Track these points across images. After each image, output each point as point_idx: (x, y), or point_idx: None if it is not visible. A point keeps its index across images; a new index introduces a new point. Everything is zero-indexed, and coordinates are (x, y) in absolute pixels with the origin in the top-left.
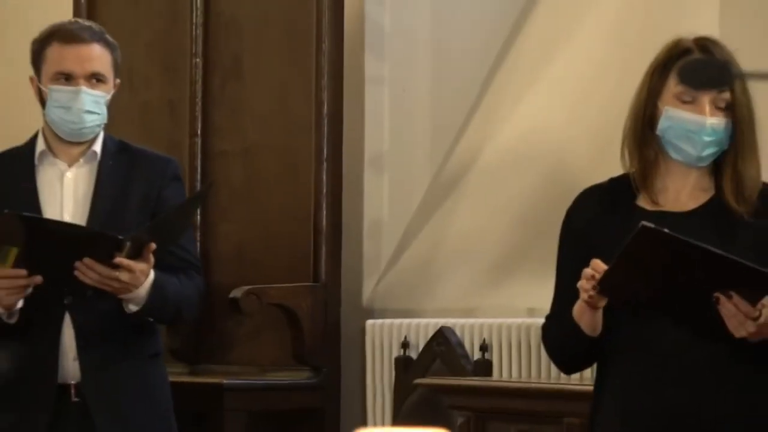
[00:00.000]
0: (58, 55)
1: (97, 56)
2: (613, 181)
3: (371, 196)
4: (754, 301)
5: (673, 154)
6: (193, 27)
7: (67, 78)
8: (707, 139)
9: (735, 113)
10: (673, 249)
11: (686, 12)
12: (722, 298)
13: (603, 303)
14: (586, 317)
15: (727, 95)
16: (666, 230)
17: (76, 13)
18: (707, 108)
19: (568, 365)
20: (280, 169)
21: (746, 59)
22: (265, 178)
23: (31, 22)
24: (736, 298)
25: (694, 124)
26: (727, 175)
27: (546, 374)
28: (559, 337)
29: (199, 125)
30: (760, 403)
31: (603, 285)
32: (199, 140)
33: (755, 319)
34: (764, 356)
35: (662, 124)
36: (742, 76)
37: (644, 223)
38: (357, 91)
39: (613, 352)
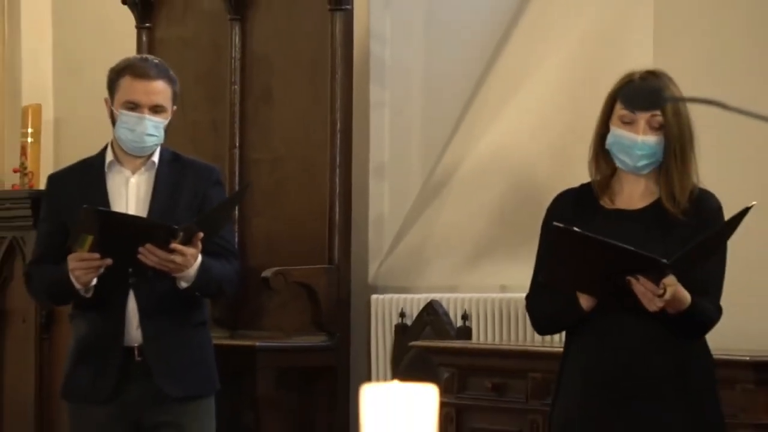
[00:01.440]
0: (129, 87)
1: (160, 91)
2: (583, 186)
3: (375, 197)
4: (657, 280)
5: (619, 164)
6: (232, 61)
7: (135, 106)
8: (639, 153)
9: (667, 132)
10: (584, 243)
11: (624, 51)
12: (632, 281)
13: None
14: (585, 301)
15: (659, 117)
16: (575, 228)
17: (139, 51)
18: (641, 128)
19: (549, 330)
20: (302, 175)
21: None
22: (290, 182)
23: (104, 54)
24: (642, 279)
25: (629, 140)
26: (662, 183)
27: (515, 338)
28: (552, 310)
29: (237, 140)
30: (688, 365)
31: (547, 276)
32: (237, 152)
33: (661, 296)
34: (684, 325)
35: (609, 140)
36: (675, 101)
37: (556, 223)
38: (363, 114)
39: (579, 323)
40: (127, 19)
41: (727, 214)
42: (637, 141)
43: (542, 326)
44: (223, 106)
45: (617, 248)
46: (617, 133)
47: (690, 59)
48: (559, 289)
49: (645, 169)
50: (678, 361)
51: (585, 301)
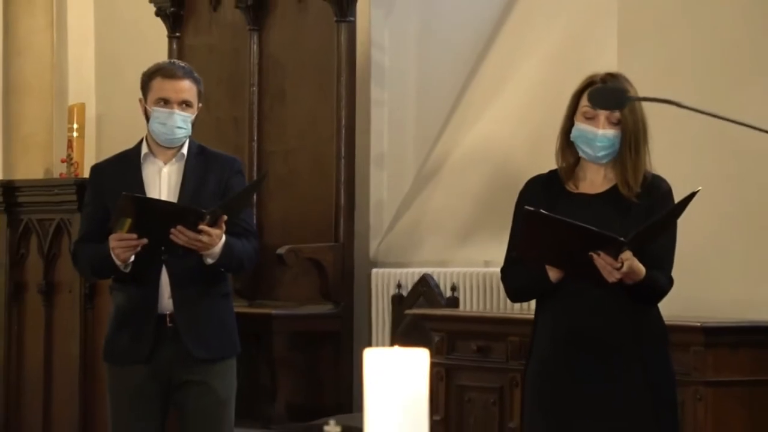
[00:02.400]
0: (160, 86)
1: (187, 89)
2: (551, 172)
3: (375, 184)
4: (616, 255)
5: (582, 154)
6: (251, 66)
7: (166, 103)
8: (600, 144)
9: (623, 127)
10: (550, 224)
11: (592, 56)
12: (594, 256)
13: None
14: (554, 273)
15: (617, 114)
16: (541, 211)
17: (170, 56)
18: (601, 123)
19: (521, 299)
20: (311, 165)
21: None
22: (301, 171)
23: (140, 59)
24: (603, 255)
25: (591, 134)
26: (618, 171)
27: (497, 307)
28: (524, 281)
29: (255, 134)
30: (641, 328)
31: (520, 253)
32: (255, 144)
33: (619, 269)
34: (640, 294)
35: (573, 134)
36: (636, 100)
37: (527, 207)
38: (365, 111)
39: (548, 292)
40: (159, 29)
41: (678, 196)
42: (597, 134)
43: (515, 295)
44: (242, 104)
45: (581, 228)
46: (580, 127)
47: (649, 63)
48: (531, 264)
49: (604, 158)
50: (633, 324)
51: (553, 274)
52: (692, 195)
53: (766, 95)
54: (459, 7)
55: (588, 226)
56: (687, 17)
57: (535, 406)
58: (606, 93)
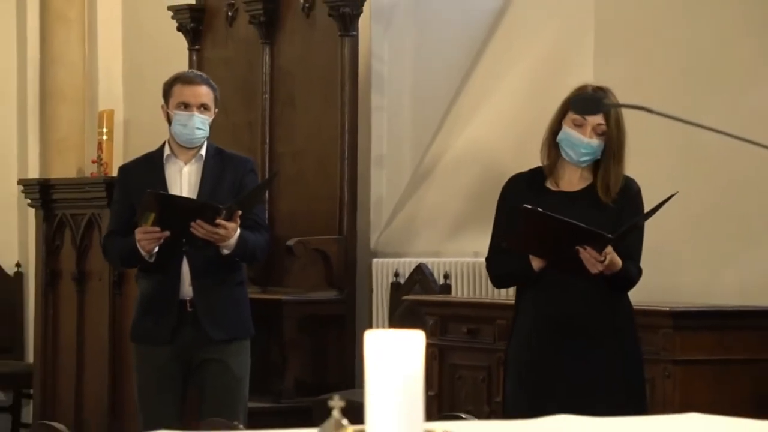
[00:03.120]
0: (181, 92)
1: (205, 93)
2: (532, 170)
3: (375, 182)
4: (600, 250)
5: (564, 156)
6: (263, 75)
7: (186, 106)
8: (584, 151)
9: (608, 138)
10: (545, 220)
11: (571, 67)
12: (581, 249)
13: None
14: (540, 264)
15: (603, 126)
16: (539, 209)
17: (190, 67)
18: (588, 131)
19: (504, 285)
20: (317, 165)
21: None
22: (308, 171)
23: (163, 70)
24: (588, 249)
25: (577, 140)
26: (599, 175)
27: (485, 293)
28: (508, 269)
29: (267, 137)
30: (613, 312)
31: (513, 244)
32: (267, 146)
33: (602, 261)
34: (615, 283)
35: (560, 136)
36: (612, 107)
37: (525, 205)
38: (366, 116)
39: (529, 280)
40: (181, 42)
41: (648, 197)
42: (583, 141)
43: (498, 282)
44: (256, 110)
45: (573, 225)
46: (568, 131)
47: (622, 74)
48: (521, 253)
49: (584, 163)
50: (607, 309)
51: (536, 263)
52: (669, 197)
53: (727, 103)
54: (451, 22)
55: (579, 223)
56: (656, 34)
57: (516, 383)
58: (586, 99)
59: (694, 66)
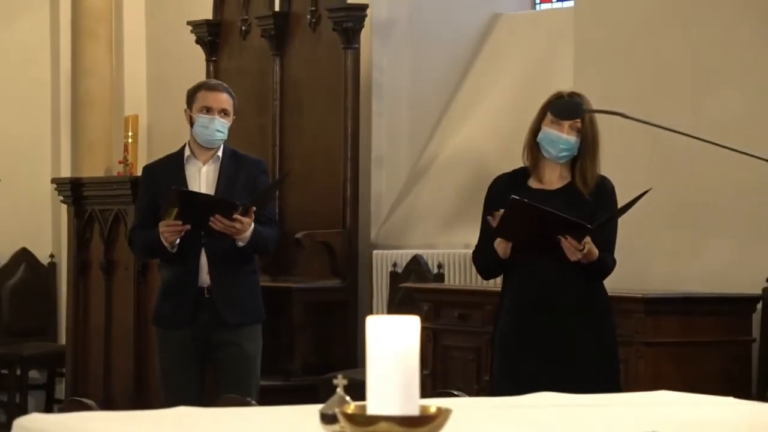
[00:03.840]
0: (204, 97)
1: (225, 100)
2: (515, 171)
3: (375, 180)
4: (580, 239)
5: (544, 153)
6: (274, 83)
7: (208, 110)
8: (562, 146)
9: (583, 136)
10: (531, 211)
11: (553, 78)
12: (562, 239)
13: (509, 246)
14: (501, 249)
15: (578, 124)
16: (526, 200)
17: (208, 77)
18: (565, 129)
19: (488, 275)
20: (323, 164)
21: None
22: (315, 170)
23: (183, 79)
24: (569, 238)
25: (556, 137)
26: (576, 171)
27: (474, 281)
28: (485, 260)
29: (277, 140)
30: (590, 298)
31: (499, 232)
32: (277, 148)
33: (581, 250)
34: (592, 272)
35: (540, 136)
36: (590, 112)
37: (513, 196)
38: (367, 120)
39: (512, 267)
40: (199, 54)
41: (621, 194)
42: (561, 137)
43: (483, 273)
44: (267, 115)
45: (556, 215)
46: (547, 131)
47: (598, 84)
48: (509, 241)
49: (563, 159)
50: (583, 295)
51: (500, 250)
52: (643, 193)
53: (693, 109)
54: (443, 37)
55: (562, 213)
56: (629, 48)
57: (503, 363)
58: (566, 105)
59: (663, 76)
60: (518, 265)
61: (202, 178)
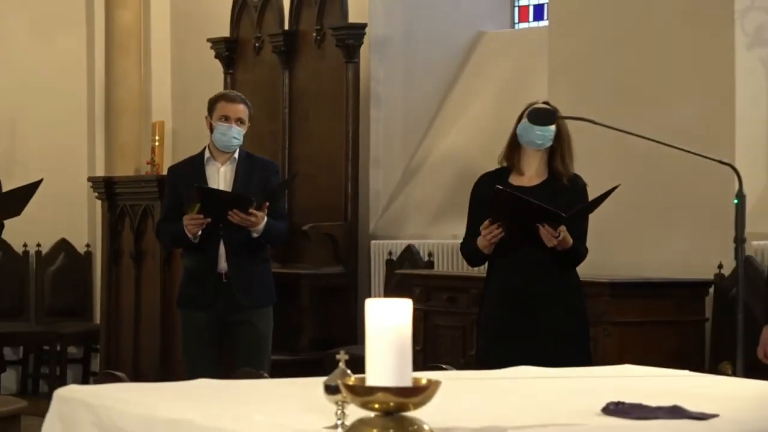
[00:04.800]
0: (223, 107)
1: (242, 110)
2: (498, 169)
3: (373, 179)
4: (556, 227)
5: (524, 144)
6: (283, 93)
7: (226, 119)
8: (538, 132)
9: (558, 134)
10: (513, 199)
11: (529, 90)
12: (539, 226)
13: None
14: (482, 245)
15: (553, 126)
16: (507, 190)
17: (225, 87)
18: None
19: (474, 263)
20: (327, 165)
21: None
22: (320, 170)
23: (204, 89)
24: (546, 226)
25: (531, 127)
26: (557, 164)
27: (460, 268)
28: (471, 251)
29: (287, 143)
30: (565, 284)
31: (494, 220)
32: (286, 151)
33: (557, 237)
34: (567, 258)
35: (518, 130)
36: (562, 118)
37: (497, 186)
38: (366, 126)
39: (496, 256)
40: (217, 67)
41: (592, 188)
42: (535, 131)
43: (469, 261)
44: (277, 121)
45: (534, 204)
46: (524, 126)
47: (570, 93)
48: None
49: (541, 146)
50: (559, 281)
51: (481, 244)
52: (613, 189)
53: (655, 116)
54: (433, 53)
55: (540, 203)
56: (598, 61)
57: (486, 340)
58: (541, 112)
59: (627, 86)
60: (501, 255)
61: (220, 178)
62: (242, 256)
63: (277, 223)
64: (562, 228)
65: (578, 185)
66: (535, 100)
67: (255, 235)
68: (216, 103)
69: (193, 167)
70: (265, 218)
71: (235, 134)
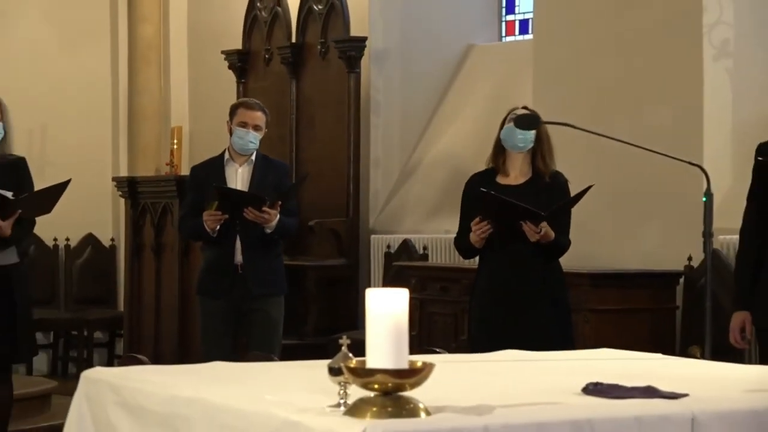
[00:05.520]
0: (242, 114)
1: (259, 117)
2: (486, 170)
3: (373, 179)
4: (537, 224)
5: (508, 147)
6: (291, 101)
7: (244, 125)
8: (519, 136)
9: (537, 138)
10: (497, 201)
11: (517, 94)
12: (523, 223)
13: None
14: (474, 240)
15: (533, 131)
16: (492, 192)
17: (238, 96)
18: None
19: (466, 256)
20: (331, 166)
21: (547, 116)
22: (325, 171)
23: (218, 97)
24: (528, 223)
25: (513, 132)
26: (539, 164)
27: (453, 260)
28: (464, 246)
29: (294, 147)
30: (549, 275)
31: (484, 218)
32: (294, 154)
33: (539, 232)
34: (550, 250)
35: (502, 135)
36: (543, 123)
37: (482, 188)
38: (366, 130)
39: (486, 250)
40: (231, 76)
41: (573, 186)
42: (517, 134)
43: (462, 254)
44: (285, 127)
45: (516, 205)
46: (507, 130)
47: (553, 100)
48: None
49: (523, 148)
50: (543, 273)
51: (472, 239)
52: (589, 188)
53: (629, 120)
54: (427, 63)
55: (521, 203)
56: (578, 71)
57: (476, 326)
58: (524, 118)
59: (605, 94)
60: (491, 249)
61: (238, 178)
62: (257, 250)
63: (289, 219)
64: (544, 224)
65: (559, 182)
66: (515, 107)
67: (268, 231)
68: (237, 109)
69: (213, 168)
70: (278, 216)
71: (251, 139)
